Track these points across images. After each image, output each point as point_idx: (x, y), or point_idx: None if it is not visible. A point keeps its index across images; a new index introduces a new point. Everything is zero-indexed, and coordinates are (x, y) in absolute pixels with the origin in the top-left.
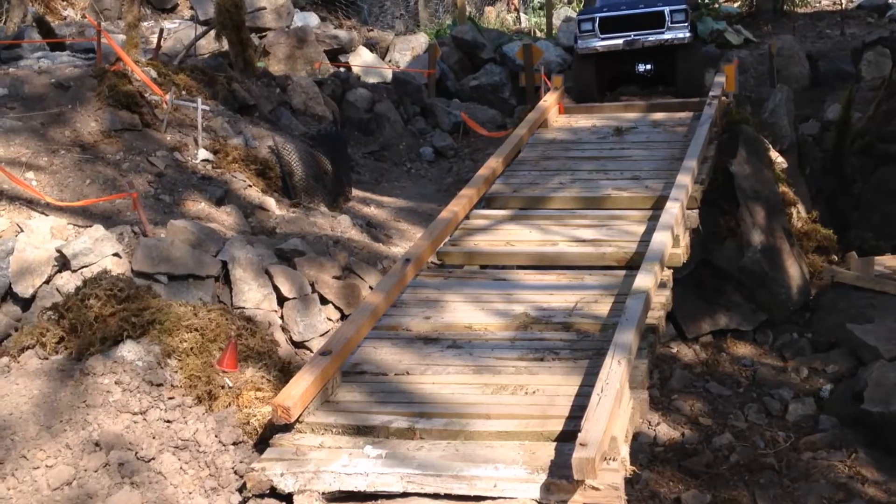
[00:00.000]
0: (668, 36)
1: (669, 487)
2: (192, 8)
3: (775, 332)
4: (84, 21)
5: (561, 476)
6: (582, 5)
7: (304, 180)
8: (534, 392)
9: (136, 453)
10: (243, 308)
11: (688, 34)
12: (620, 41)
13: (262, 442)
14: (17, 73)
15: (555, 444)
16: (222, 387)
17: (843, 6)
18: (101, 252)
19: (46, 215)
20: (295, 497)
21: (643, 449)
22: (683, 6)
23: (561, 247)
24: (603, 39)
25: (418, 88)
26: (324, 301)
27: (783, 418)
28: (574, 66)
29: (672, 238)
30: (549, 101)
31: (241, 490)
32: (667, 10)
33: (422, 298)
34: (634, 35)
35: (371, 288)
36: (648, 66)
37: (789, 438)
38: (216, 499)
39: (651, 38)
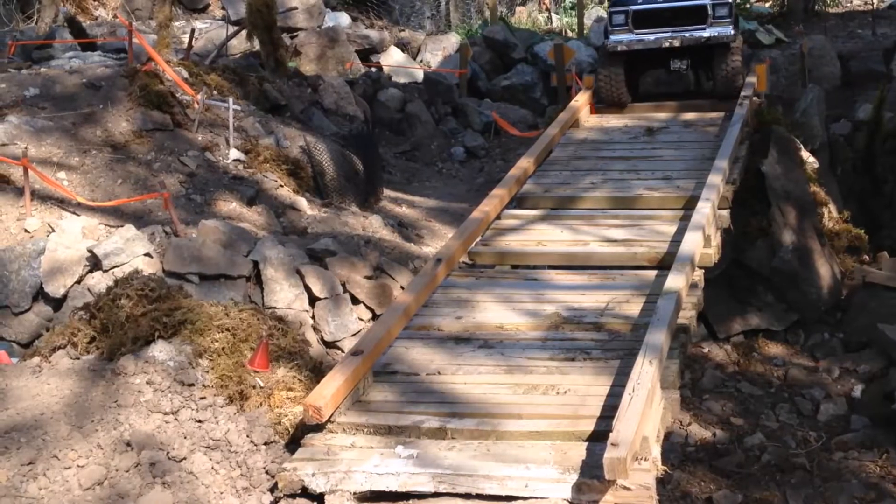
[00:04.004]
0: (709, 33)
1: (701, 487)
2: (223, 8)
3: (806, 332)
4: (115, 21)
5: (592, 476)
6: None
7: (335, 180)
8: (565, 392)
9: (168, 453)
10: (275, 308)
11: (731, 31)
12: (655, 38)
13: (294, 442)
14: (48, 73)
15: (586, 444)
16: (253, 387)
17: (875, 6)
18: (133, 252)
19: (78, 215)
20: (326, 497)
21: (674, 449)
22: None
23: (592, 247)
24: (637, 35)
25: (449, 88)
26: (355, 301)
27: (815, 418)
28: (601, 64)
29: (703, 238)
30: (581, 100)
31: (272, 490)
32: (709, 3)
33: (453, 298)
34: (672, 32)
35: (402, 288)
36: (684, 64)
37: (821, 438)
38: (248, 499)
39: (690, 34)
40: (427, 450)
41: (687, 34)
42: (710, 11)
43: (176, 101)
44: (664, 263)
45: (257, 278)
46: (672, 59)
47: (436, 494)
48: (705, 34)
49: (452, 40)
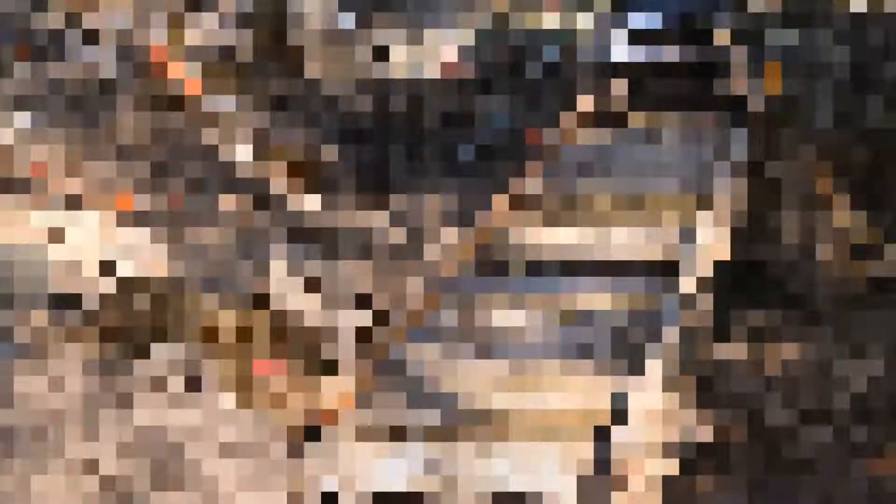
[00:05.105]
0: None
1: (707, 487)
2: None
3: (815, 332)
4: None
5: (599, 475)
6: None
7: (342, 180)
8: (572, 392)
9: (176, 454)
10: (283, 308)
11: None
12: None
13: (304, 442)
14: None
15: (593, 443)
16: (262, 387)
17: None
18: (140, 252)
19: (86, 216)
20: (336, 497)
21: (681, 448)
22: None
23: (600, 246)
24: None
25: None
26: None
27: None
28: None
29: (714, 237)
30: None
31: (280, 490)
32: None
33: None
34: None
35: None
36: None
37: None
38: (256, 499)
39: None
40: (433, 450)
41: None
42: None
43: (183, 100)
44: (672, 262)
45: (266, 279)
46: None
47: (442, 494)
48: None
49: None
